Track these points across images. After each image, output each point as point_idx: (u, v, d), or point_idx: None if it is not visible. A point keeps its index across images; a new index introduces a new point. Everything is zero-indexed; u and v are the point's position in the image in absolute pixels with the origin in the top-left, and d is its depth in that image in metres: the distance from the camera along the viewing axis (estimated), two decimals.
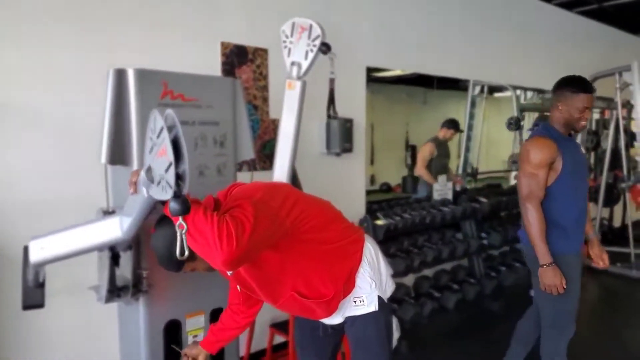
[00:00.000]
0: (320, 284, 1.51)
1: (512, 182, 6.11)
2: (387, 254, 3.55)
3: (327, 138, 3.21)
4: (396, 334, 3.20)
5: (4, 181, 2.17)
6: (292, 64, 2.16)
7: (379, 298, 1.59)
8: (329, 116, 2.56)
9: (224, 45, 2.80)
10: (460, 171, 6.30)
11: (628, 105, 5.13)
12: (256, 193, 1.40)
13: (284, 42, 2.16)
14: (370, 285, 1.58)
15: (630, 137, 5.23)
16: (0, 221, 2.17)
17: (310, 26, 2.11)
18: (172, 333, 2.05)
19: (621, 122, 5.13)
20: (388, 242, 3.62)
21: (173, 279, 2.01)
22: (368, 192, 9.06)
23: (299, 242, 1.45)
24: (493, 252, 4.43)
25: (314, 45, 2.11)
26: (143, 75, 1.87)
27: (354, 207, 3.56)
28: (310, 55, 2.12)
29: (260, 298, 1.62)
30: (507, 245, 4.41)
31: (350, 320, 1.62)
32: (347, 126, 3.20)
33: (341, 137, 3.17)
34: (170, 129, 1.13)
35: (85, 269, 2.05)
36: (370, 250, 1.62)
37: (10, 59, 2.15)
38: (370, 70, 3.70)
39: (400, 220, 3.57)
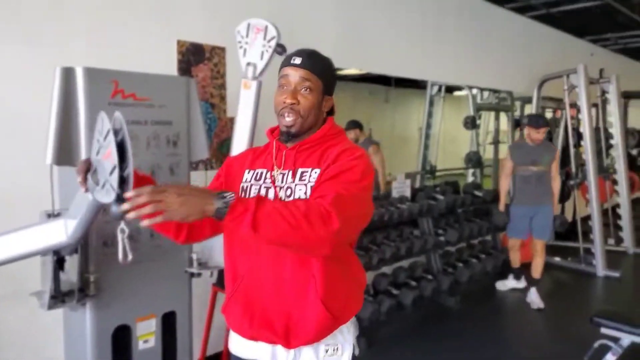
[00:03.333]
0: (335, 291, 1.26)
1: (470, 179, 6.31)
2: None
3: None
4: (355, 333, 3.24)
5: None
6: (248, 64, 2.14)
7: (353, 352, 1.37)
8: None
9: (179, 44, 2.74)
10: (419, 168, 6.45)
11: (576, 106, 5.37)
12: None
13: (240, 42, 2.14)
14: (351, 332, 1.37)
15: (578, 136, 5.49)
16: None
17: (266, 27, 2.10)
18: (121, 338, 2.01)
19: (569, 122, 5.37)
20: None
21: (124, 282, 1.97)
22: None
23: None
24: (450, 249, 4.54)
25: (270, 47, 2.10)
26: (92, 74, 1.82)
27: None
28: (266, 56, 2.11)
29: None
30: (463, 242, 4.52)
31: None
32: None
33: None
34: (116, 132, 1.11)
35: (31, 272, 1.97)
36: None
37: None
38: None
39: None
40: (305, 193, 1.21)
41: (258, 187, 1.28)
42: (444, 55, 4.86)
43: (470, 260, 4.46)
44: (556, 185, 4.22)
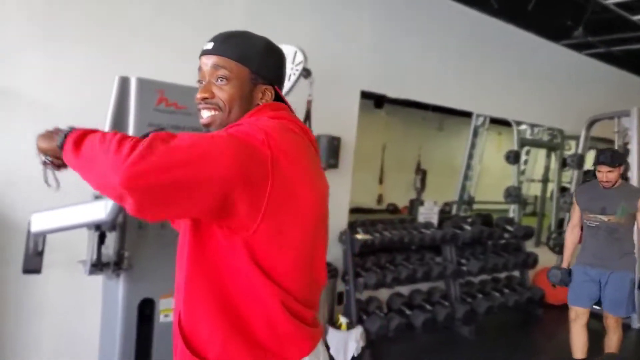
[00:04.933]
0: (211, 326, 1.00)
1: (511, 214, 6.26)
2: (363, 267, 3.79)
3: None
4: (360, 343, 3.43)
5: (16, 162, 2.50)
6: None
7: None
8: None
9: None
10: (456, 198, 6.50)
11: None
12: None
13: None
14: None
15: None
16: (13, 197, 2.50)
17: (295, 52, 2.40)
18: (146, 310, 2.34)
19: None
20: (366, 257, 3.85)
21: (152, 261, 2.30)
22: (373, 211, 9.17)
23: (247, 255, 0.96)
24: (472, 280, 4.59)
25: (297, 70, 2.40)
26: (143, 84, 2.19)
27: (336, 220, 3.81)
28: (293, 78, 2.41)
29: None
30: (486, 274, 4.56)
31: None
32: (334, 143, 3.47)
33: (327, 153, 3.44)
34: None
35: (82, 245, 2.36)
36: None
37: (36, 59, 2.50)
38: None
39: (379, 236, 3.80)
40: None
41: None
42: (489, 87, 4.96)
43: (491, 293, 4.48)
44: None
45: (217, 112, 1.07)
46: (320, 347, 1.09)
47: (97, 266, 2.17)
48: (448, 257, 4.29)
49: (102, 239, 2.15)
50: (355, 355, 3.37)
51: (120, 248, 2.22)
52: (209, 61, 1.06)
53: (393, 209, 9.37)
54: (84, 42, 2.62)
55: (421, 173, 10.44)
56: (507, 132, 6.50)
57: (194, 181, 0.86)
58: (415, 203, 6.73)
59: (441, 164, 9.13)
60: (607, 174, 3.05)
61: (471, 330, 4.09)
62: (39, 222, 1.96)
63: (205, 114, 1.08)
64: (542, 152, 6.82)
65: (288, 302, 1.00)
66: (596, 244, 3.15)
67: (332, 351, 3.37)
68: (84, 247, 2.32)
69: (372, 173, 9.59)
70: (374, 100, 4.73)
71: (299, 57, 2.39)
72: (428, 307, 4.00)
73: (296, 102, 2.73)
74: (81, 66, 2.61)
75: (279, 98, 1.13)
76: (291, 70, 2.40)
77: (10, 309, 2.56)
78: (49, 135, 1.06)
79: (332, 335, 3.40)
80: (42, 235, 2.03)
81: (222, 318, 0.99)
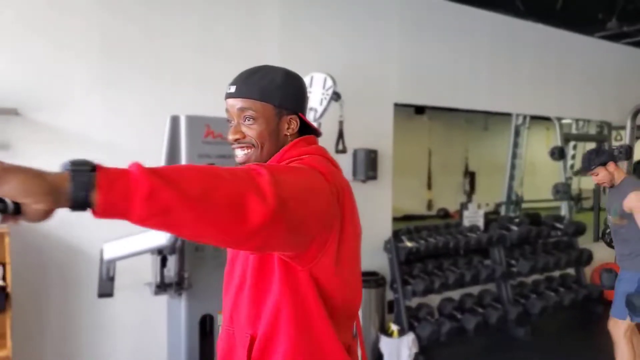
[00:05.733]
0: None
1: (563, 212, 6.11)
2: (410, 274, 3.87)
3: (353, 166, 3.64)
4: (413, 349, 3.50)
5: None
6: (310, 109, 2.63)
7: None
8: (337, 151, 3.00)
9: None
10: (504, 199, 6.42)
11: None
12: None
13: None
14: None
15: None
16: (83, 230, 2.81)
17: (324, 78, 2.58)
18: (206, 325, 2.56)
19: None
20: (412, 264, 3.93)
21: (209, 280, 2.52)
22: (423, 218, 9.10)
23: (307, 287, 1.00)
24: (525, 280, 4.54)
25: (327, 94, 2.57)
26: (191, 120, 2.44)
27: (380, 229, 3.92)
28: (324, 102, 2.58)
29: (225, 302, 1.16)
30: (537, 273, 4.50)
31: None
32: (371, 156, 3.61)
33: (366, 166, 3.58)
34: None
35: (147, 270, 2.62)
36: None
37: (97, 101, 2.82)
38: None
39: (424, 243, 3.88)
40: None
41: None
42: (525, 86, 4.94)
43: (545, 293, 4.42)
44: None
45: (250, 150, 1.09)
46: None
47: (161, 287, 2.41)
48: (497, 259, 4.28)
49: (164, 262, 2.39)
50: None
51: (180, 269, 2.46)
52: (235, 104, 1.09)
53: (444, 214, 9.30)
54: (136, 88, 2.91)
55: (469, 175, 10.32)
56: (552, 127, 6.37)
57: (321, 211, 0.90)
58: (465, 206, 6.69)
59: (490, 164, 8.98)
60: (594, 178, 2.96)
61: (526, 332, 4.04)
62: (110, 251, 2.22)
63: (240, 153, 1.10)
64: (592, 146, 6.62)
65: (342, 335, 1.06)
66: (615, 245, 3.02)
67: (385, 359, 3.46)
68: (149, 271, 2.58)
69: (420, 179, 9.58)
70: (414, 108, 4.80)
71: (329, 83, 2.57)
72: (480, 310, 4.01)
73: (329, 123, 2.91)
74: (136, 110, 2.90)
75: (304, 124, 1.16)
76: (322, 95, 2.58)
77: (87, 328, 2.85)
78: (40, 176, 0.65)
79: (385, 343, 3.50)
80: (113, 262, 2.29)
81: (302, 349, 1.01)
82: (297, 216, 0.81)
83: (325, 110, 2.60)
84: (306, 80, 2.69)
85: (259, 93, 1.08)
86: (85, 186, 0.65)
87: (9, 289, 2.33)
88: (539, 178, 7.41)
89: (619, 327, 2.86)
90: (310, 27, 3.52)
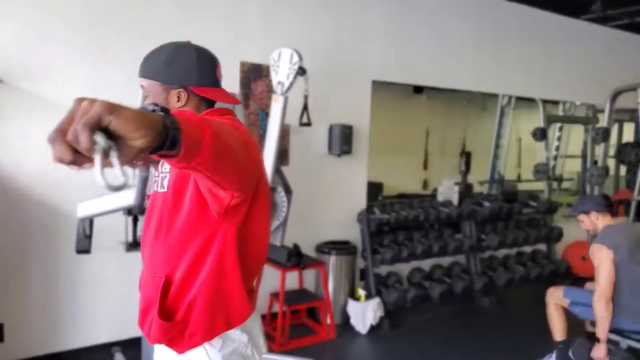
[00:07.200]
0: (192, 295, 1.15)
1: (546, 193, 6.26)
2: (381, 244, 4.07)
3: (329, 141, 3.80)
4: (378, 313, 3.73)
5: (63, 167, 2.98)
6: (278, 82, 2.78)
7: None
8: (301, 124, 3.14)
9: (242, 64, 3.48)
10: (487, 177, 6.58)
11: None
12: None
13: (272, 65, 2.79)
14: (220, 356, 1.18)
15: None
16: (65, 191, 3.00)
17: (291, 54, 2.72)
18: None
19: None
20: (384, 235, 4.13)
21: None
22: (418, 197, 9.33)
23: (234, 240, 1.13)
24: (496, 254, 4.73)
25: (294, 69, 2.71)
26: None
27: (354, 202, 4.10)
28: (291, 77, 2.73)
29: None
30: (506, 248, 4.67)
31: None
32: (346, 132, 3.76)
33: (341, 141, 3.74)
34: None
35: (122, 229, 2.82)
36: (250, 334, 1.24)
37: (82, 71, 2.97)
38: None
39: (395, 215, 4.06)
40: (165, 179, 1.18)
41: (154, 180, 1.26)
42: (511, 67, 5.03)
43: (513, 266, 4.62)
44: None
45: None
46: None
47: (133, 245, 2.61)
48: (467, 233, 4.47)
49: (135, 222, 2.59)
50: (374, 324, 3.67)
51: None
52: (139, 82, 1.24)
53: None
54: (121, 57, 3.05)
55: (465, 156, 10.41)
56: (548, 108, 6.44)
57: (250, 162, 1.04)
58: (461, 186, 6.84)
59: (487, 145, 9.07)
60: (579, 224, 3.03)
61: (491, 302, 4.26)
62: (83, 209, 2.42)
63: None
64: (580, 128, 6.71)
65: (247, 282, 1.21)
66: None
67: (352, 321, 3.69)
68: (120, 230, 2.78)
69: (417, 159, 9.68)
70: (412, 87, 4.91)
71: (295, 58, 2.70)
72: (447, 280, 4.22)
73: (296, 96, 3.05)
74: (120, 79, 3.04)
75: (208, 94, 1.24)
76: (289, 69, 2.72)
77: (69, 284, 3.08)
78: (144, 113, 0.71)
79: (352, 307, 3.72)
80: (88, 220, 2.49)
81: (212, 291, 1.14)
82: (240, 159, 0.95)
83: (291, 84, 2.74)
84: (274, 54, 2.83)
85: (148, 72, 1.21)
86: (176, 126, 0.71)
87: None
88: (528, 160, 7.50)
89: (554, 298, 3.11)
90: (291, 1, 3.63)
